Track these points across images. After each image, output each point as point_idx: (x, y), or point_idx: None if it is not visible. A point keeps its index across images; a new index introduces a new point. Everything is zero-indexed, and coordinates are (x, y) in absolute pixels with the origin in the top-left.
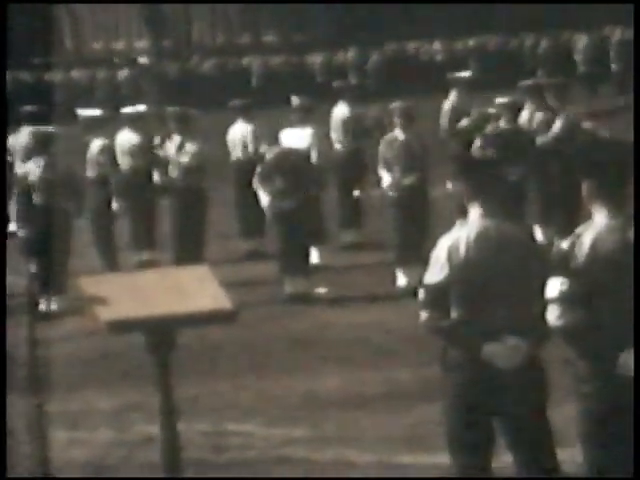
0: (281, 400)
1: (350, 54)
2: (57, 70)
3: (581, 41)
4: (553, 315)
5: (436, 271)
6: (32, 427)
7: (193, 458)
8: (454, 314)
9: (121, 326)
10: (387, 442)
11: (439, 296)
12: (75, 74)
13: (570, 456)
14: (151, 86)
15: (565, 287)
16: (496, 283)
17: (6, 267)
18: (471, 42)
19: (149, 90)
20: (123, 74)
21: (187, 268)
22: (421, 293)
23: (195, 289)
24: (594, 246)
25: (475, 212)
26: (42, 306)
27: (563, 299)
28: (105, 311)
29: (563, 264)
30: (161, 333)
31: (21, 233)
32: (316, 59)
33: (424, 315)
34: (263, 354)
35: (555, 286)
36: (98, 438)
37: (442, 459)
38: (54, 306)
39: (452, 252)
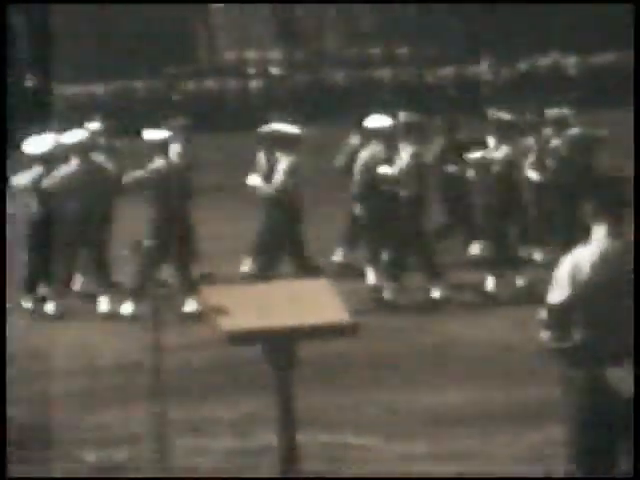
0: (402, 415)
1: (482, 67)
2: (190, 79)
3: None
4: None
5: (558, 291)
6: (155, 434)
7: (312, 469)
8: (577, 335)
9: (241, 337)
10: (510, 461)
11: (561, 316)
12: (207, 83)
13: None
14: (282, 97)
15: None
16: (619, 305)
17: (6, 267)
18: (608, 57)
19: (280, 101)
20: (255, 84)
21: (306, 281)
22: (543, 313)
23: (315, 302)
24: None
25: (600, 232)
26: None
27: None
28: (226, 322)
29: None
30: (280, 345)
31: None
32: (448, 72)
33: (546, 335)
34: (386, 367)
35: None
36: (219, 446)
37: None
38: (189, 308)
39: (575, 272)
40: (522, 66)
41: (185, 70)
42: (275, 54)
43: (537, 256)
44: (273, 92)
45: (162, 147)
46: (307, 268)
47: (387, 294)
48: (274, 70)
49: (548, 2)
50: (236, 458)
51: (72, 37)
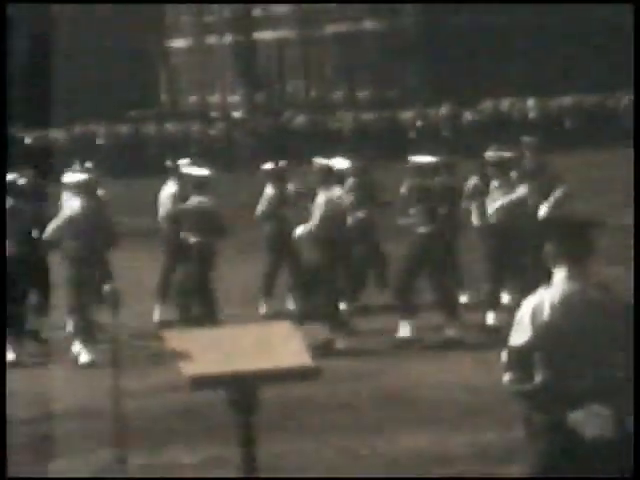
0: (364, 460)
1: (443, 110)
2: (152, 123)
3: None
4: None
5: (519, 333)
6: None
7: None
8: (538, 377)
9: (203, 382)
10: None
11: (522, 358)
12: (170, 127)
13: None
14: (244, 140)
15: None
16: (581, 348)
17: (6, 267)
18: (566, 100)
19: (242, 144)
20: (217, 128)
21: (270, 324)
22: (504, 355)
23: (278, 345)
24: None
25: (560, 274)
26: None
27: None
28: (188, 366)
29: None
30: (243, 390)
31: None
32: (408, 115)
33: (507, 377)
34: (348, 412)
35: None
36: None
37: None
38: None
39: (536, 314)
40: (484, 108)
41: (148, 114)
42: (236, 98)
43: (505, 299)
44: (235, 135)
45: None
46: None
47: (340, 343)
48: (236, 113)
49: (548, 2)
50: None
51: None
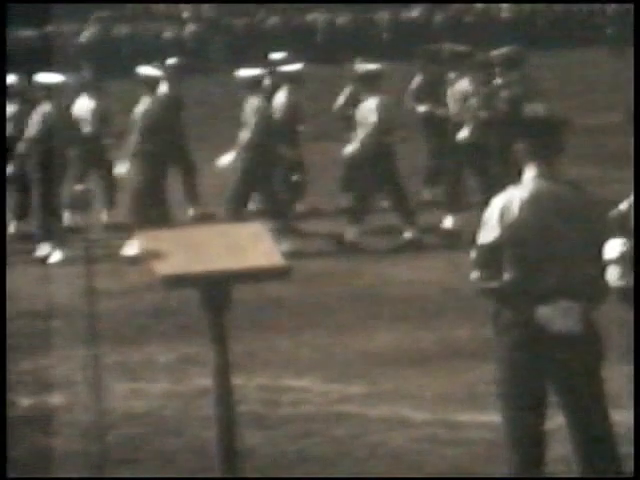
0: (338, 357)
1: (414, 12)
2: (123, 24)
3: None
4: (613, 276)
5: (488, 231)
6: (90, 378)
7: (248, 412)
8: (506, 275)
9: (176, 281)
10: (443, 400)
11: (491, 257)
12: (141, 28)
13: (623, 418)
14: (216, 41)
15: (625, 247)
16: (549, 244)
17: (6, 266)
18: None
19: (214, 45)
20: (190, 29)
21: (241, 224)
22: (473, 253)
23: (249, 245)
24: None
25: (530, 173)
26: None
27: (623, 259)
28: (161, 265)
29: (622, 225)
30: (215, 289)
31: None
32: (383, 16)
33: (475, 275)
34: (321, 310)
35: (615, 247)
36: (155, 390)
37: (496, 418)
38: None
39: (504, 212)
40: (454, 8)
41: (118, 15)
42: None
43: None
44: (207, 36)
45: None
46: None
47: (349, 235)
48: (208, 14)
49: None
50: (172, 401)
51: None
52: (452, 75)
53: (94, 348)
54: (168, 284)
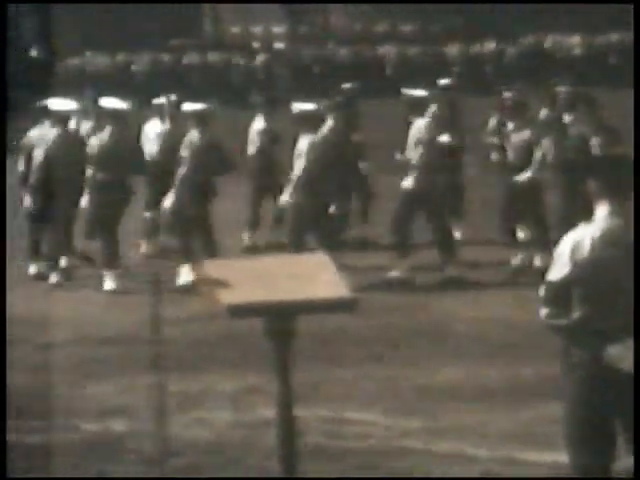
0: (401, 390)
1: (487, 45)
2: (194, 53)
3: None
4: None
5: (559, 268)
6: (154, 406)
7: (310, 444)
8: (576, 313)
9: (241, 310)
10: (505, 437)
11: (561, 293)
12: (212, 57)
13: None
14: (285, 72)
15: None
16: (620, 283)
17: (6, 267)
18: (612, 37)
19: (283, 76)
20: (260, 59)
21: (306, 255)
22: (542, 289)
23: (315, 276)
24: None
25: (602, 210)
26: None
27: None
28: (226, 295)
29: None
30: (280, 319)
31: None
32: (452, 49)
33: (544, 312)
34: (385, 344)
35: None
36: (218, 419)
37: (561, 457)
38: (185, 279)
39: (576, 249)
40: (527, 43)
41: (190, 43)
42: (280, 29)
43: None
44: (276, 67)
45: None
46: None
47: (395, 272)
48: (278, 45)
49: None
50: (235, 431)
51: (77, 7)
52: (510, 126)
53: (159, 376)
54: (234, 313)
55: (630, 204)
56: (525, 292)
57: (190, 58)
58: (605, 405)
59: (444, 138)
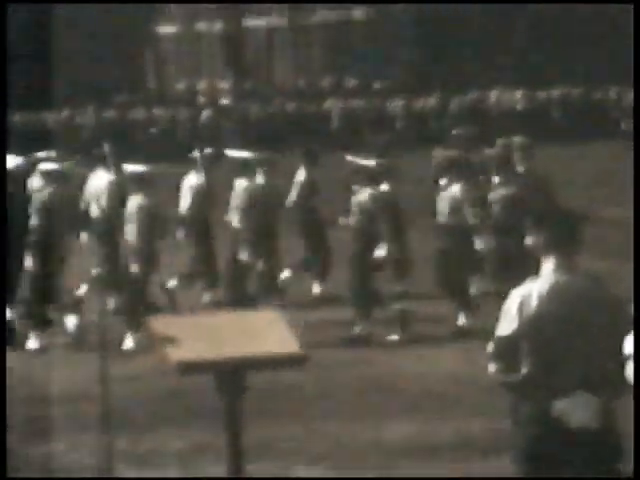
0: (349, 447)
1: (431, 100)
2: (139, 108)
3: None
4: (632, 371)
5: (506, 324)
6: (102, 464)
7: None
8: (524, 368)
9: (191, 367)
10: None
11: (508, 349)
12: (157, 112)
13: None
14: (232, 127)
15: None
16: (568, 338)
17: (6, 268)
18: (554, 92)
19: (230, 131)
20: (205, 114)
21: (257, 311)
22: (491, 345)
23: (265, 332)
24: None
25: (549, 265)
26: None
27: None
28: (175, 351)
29: None
30: (230, 375)
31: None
32: (397, 104)
33: (493, 367)
34: (334, 399)
35: (633, 342)
36: (166, 477)
37: None
38: (130, 344)
39: (524, 305)
40: (470, 98)
41: (135, 98)
42: (225, 84)
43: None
44: (222, 122)
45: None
46: None
47: (358, 329)
48: (224, 100)
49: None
50: None
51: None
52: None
53: (106, 434)
54: (183, 370)
55: (576, 258)
56: (473, 347)
57: (135, 113)
58: (554, 460)
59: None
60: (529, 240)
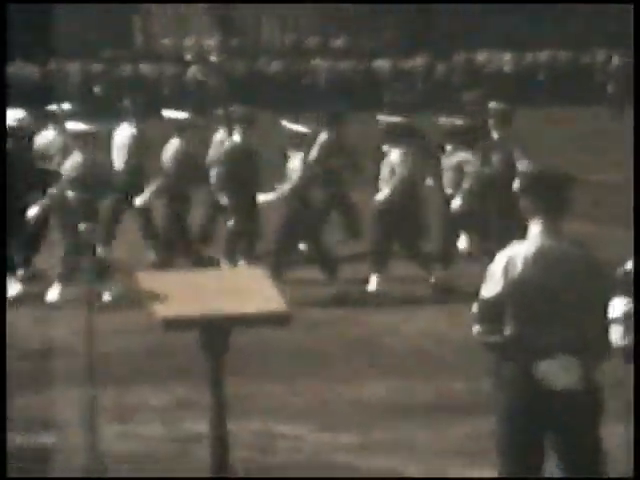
0: (332, 405)
1: (418, 61)
2: (125, 64)
3: None
4: (616, 335)
5: (491, 285)
6: (85, 419)
7: (241, 458)
8: (508, 330)
9: (176, 324)
10: (436, 453)
11: (493, 311)
12: (144, 68)
13: (621, 475)
14: (218, 84)
15: (629, 307)
16: (552, 301)
17: (6, 269)
18: (542, 55)
19: (216, 88)
20: (191, 71)
21: (243, 269)
22: (475, 307)
23: (251, 290)
24: None
25: (535, 229)
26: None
27: (626, 319)
28: (161, 308)
29: (627, 284)
30: (215, 332)
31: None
32: (384, 65)
33: (477, 329)
34: (317, 358)
35: (619, 306)
36: (149, 433)
37: (492, 473)
38: (107, 297)
39: (509, 267)
40: (458, 60)
41: (121, 54)
42: (212, 41)
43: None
44: (209, 79)
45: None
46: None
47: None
48: (211, 58)
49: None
50: (166, 445)
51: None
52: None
53: (90, 388)
54: (168, 327)
55: (562, 222)
56: (458, 307)
57: (122, 69)
58: (536, 420)
59: None
60: (520, 203)
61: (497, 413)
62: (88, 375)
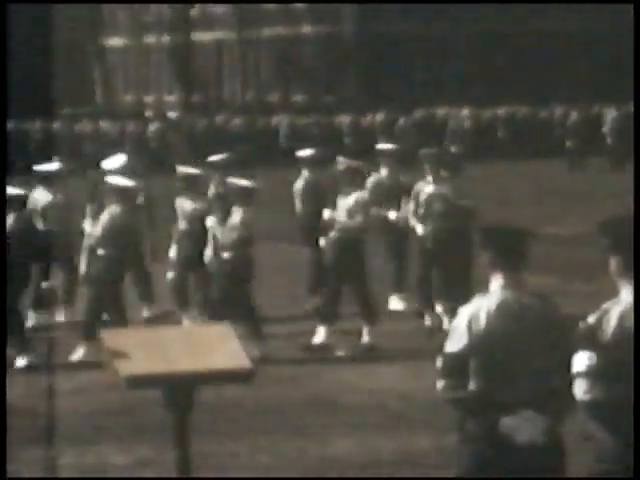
0: (295, 462)
1: (378, 117)
2: (87, 121)
3: (610, 114)
4: (580, 389)
5: (455, 340)
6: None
7: None
8: (472, 385)
9: (139, 382)
10: None
11: (457, 365)
12: (105, 125)
13: None
14: (179, 141)
15: (592, 361)
16: (516, 355)
17: (6, 271)
18: (500, 111)
19: (177, 144)
20: (152, 127)
21: (208, 325)
22: (439, 361)
23: (215, 346)
24: (621, 321)
25: (497, 282)
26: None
27: (590, 373)
28: (124, 365)
29: (590, 338)
30: (179, 390)
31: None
32: (344, 120)
33: (441, 384)
34: (281, 415)
35: (582, 360)
36: None
37: None
38: (75, 356)
39: (472, 322)
40: (417, 115)
41: (82, 112)
42: (173, 98)
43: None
44: (170, 135)
45: None
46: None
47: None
48: (171, 114)
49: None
50: None
51: None
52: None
53: (51, 448)
54: (131, 384)
55: (524, 275)
56: (421, 363)
57: (82, 126)
58: (500, 477)
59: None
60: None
61: (461, 469)
62: (49, 435)
